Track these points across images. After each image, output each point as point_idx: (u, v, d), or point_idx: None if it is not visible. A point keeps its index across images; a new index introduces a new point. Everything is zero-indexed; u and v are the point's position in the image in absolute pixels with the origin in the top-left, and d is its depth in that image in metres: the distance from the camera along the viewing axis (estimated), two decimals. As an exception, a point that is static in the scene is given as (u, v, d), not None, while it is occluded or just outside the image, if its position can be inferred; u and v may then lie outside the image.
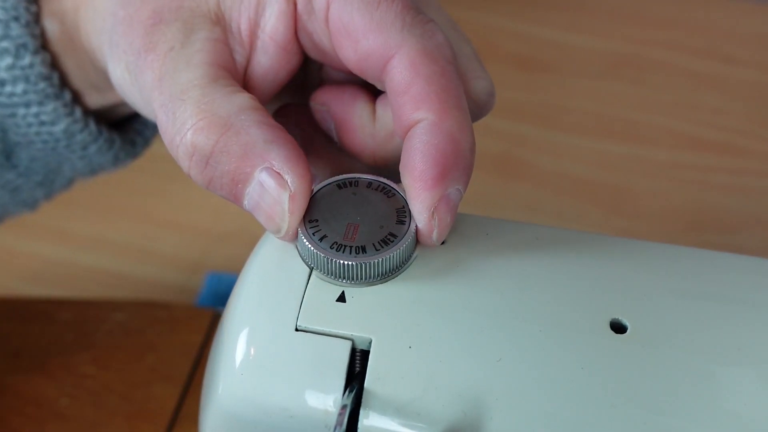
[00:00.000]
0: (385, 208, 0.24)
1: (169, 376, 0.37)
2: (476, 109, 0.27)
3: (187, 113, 0.23)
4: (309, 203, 0.24)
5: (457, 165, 0.23)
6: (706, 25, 0.62)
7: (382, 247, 0.23)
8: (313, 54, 0.26)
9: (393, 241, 0.23)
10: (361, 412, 0.21)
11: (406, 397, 0.21)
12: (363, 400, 0.21)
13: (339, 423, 0.21)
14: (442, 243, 0.24)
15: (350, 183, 0.25)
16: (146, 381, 0.37)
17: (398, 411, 0.21)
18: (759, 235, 0.46)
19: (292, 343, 0.22)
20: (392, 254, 0.23)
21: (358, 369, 0.23)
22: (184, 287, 0.46)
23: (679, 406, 0.21)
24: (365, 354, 0.22)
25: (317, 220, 0.23)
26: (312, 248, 0.23)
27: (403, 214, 0.24)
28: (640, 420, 0.21)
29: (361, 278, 0.23)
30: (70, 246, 0.49)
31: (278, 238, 0.23)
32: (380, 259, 0.22)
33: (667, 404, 0.21)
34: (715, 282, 0.24)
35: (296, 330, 0.22)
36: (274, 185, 0.22)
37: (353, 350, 0.22)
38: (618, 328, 0.22)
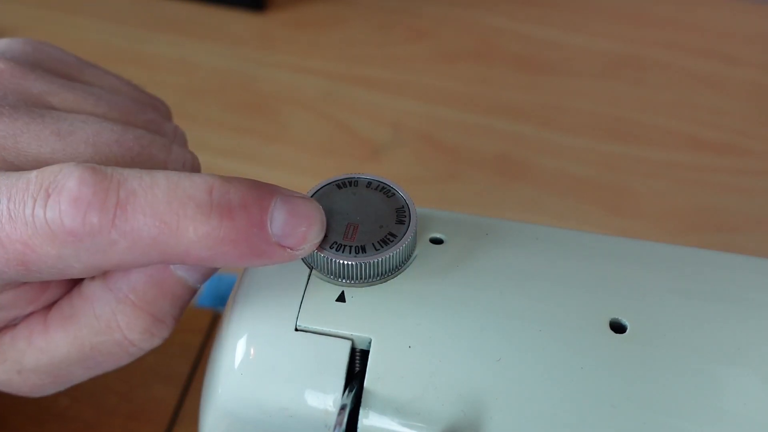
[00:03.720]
0: (384, 208, 0.24)
1: (169, 376, 0.37)
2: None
3: None
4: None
5: None
6: (706, 25, 0.62)
7: (382, 246, 0.23)
8: None
9: (393, 241, 0.23)
10: (361, 411, 0.21)
11: (406, 397, 0.21)
12: (363, 399, 0.21)
13: (339, 423, 0.21)
14: (441, 242, 0.24)
15: (350, 183, 0.25)
16: (146, 381, 0.37)
17: (398, 411, 0.21)
18: (759, 235, 0.46)
19: (292, 343, 0.22)
20: (392, 254, 0.23)
21: (357, 369, 0.23)
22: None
23: (679, 405, 0.21)
24: (365, 354, 0.22)
25: (317, 220, 0.23)
26: (312, 248, 0.23)
27: (402, 214, 0.24)
28: (640, 420, 0.21)
29: (361, 278, 0.23)
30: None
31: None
32: (380, 259, 0.23)
33: (666, 404, 0.21)
34: (715, 282, 0.24)
35: (296, 330, 0.22)
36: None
37: (353, 350, 0.22)
38: (618, 328, 0.22)
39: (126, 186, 0.20)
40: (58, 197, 0.20)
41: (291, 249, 0.22)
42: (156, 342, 0.25)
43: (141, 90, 0.30)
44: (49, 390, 0.26)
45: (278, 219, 0.21)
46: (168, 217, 0.20)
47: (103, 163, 0.23)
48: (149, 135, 0.25)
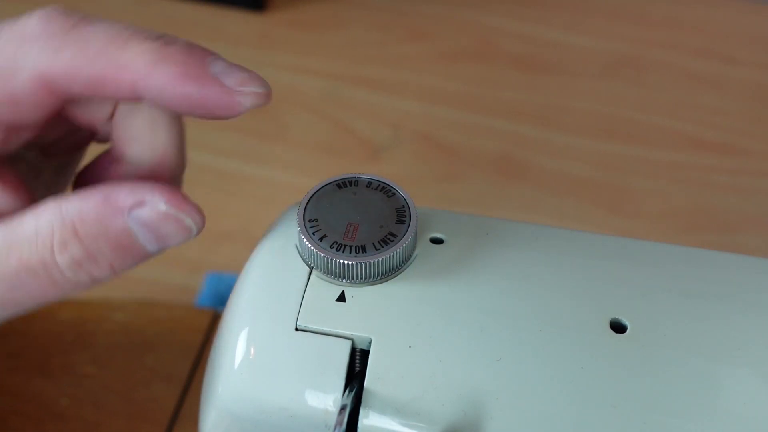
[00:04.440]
0: (385, 208, 0.24)
1: (169, 376, 0.37)
2: None
3: None
4: (309, 203, 0.24)
5: None
6: (706, 25, 0.62)
7: (382, 246, 0.23)
8: None
9: (393, 241, 0.23)
10: (361, 411, 0.21)
11: (406, 397, 0.21)
12: (363, 399, 0.21)
13: (339, 423, 0.21)
14: (441, 242, 0.24)
15: (350, 183, 0.25)
16: (146, 381, 0.37)
17: (398, 411, 0.21)
18: (759, 235, 0.46)
19: (292, 343, 0.22)
20: (392, 254, 0.23)
21: (358, 369, 0.23)
22: (184, 287, 0.46)
23: (679, 405, 0.21)
24: (365, 353, 0.22)
25: (317, 220, 0.23)
26: (312, 248, 0.23)
27: (402, 213, 0.24)
28: (640, 420, 0.21)
29: (361, 278, 0.23)
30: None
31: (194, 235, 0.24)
32: (380, 259, 0.23)
33: (667, 404, 0.21)
34: (715, 282, 0.24)
35: (296, 330, 0.22)
36: (148, 212, 0.23)
37: (353, 350, 0.22)
38: (618, 327, 0.22)
39: (87, 17, 0.23)
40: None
41: (229, 89, 0.22)
42: (83, 278, 0.24)
43: None
44: None
45: (218, 62, 0.22)
46: (119, 31, 0.22)
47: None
48: None
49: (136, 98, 0.23)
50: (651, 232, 0.46)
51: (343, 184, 0.25)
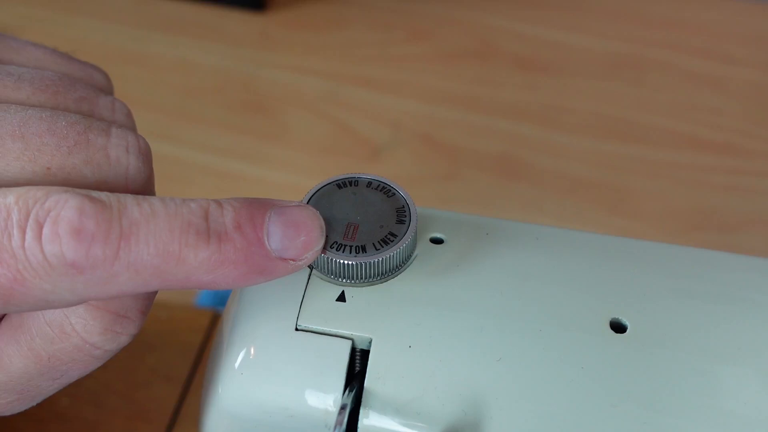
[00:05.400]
0: (384, 208, 0.24)
1: (169, 376, 0.37)
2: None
3: None
4: (309, 203, 0.24)
5: None
6: (706, 25, 0.62)
7: (382, 246, 0.23)
8: None
9: (393, 241, 0.23)
10: (361, 411, 0.21)
11: (406, 397, 0.21)
12: (363, 399, 0.21)
13: (339, 422, 0.21)
14: (441, 242, 0.24)
15: (350, 183, 0.25)
16: (146, 381, 0.37)
17: (398, 410, 0.21)
18: (759, 235, 0.46)
19: (292, 343, 0.22)
20: (392, 254, 0.23)
21: (358, 368, 0.23)
22: (184, 287, 0.45)
23: (679, 405, 0.21)
24: (365, 353, 0.22)
25: (317, 220, 0.23)
26: (312, 248, 0.23)
27: (402, 213, 0.24)
28: (640, 420, 0.21)
29: (361, 278, 0.23)
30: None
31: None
32: (380, 259, 0.23)
33: (667, 404, 0.21)
34: (715, 282, 0.24)
35: (296, 330, 0.22)
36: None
37: (353, 350, 0.22)
38: (618, 327, 0.22)
39: (127, 215, 0.20)
40: (55, 228, 0.19)
41: (293, 260, 0.21)
42: (123, 340, 0.22)
43: (69, 59, 0.26)
44: (21, 406, 0.24)
45: (275, 233, 0.21)
46: (171, 246, 0.20)
47: (40, 159, 0.21)
48: (84, 120, 0.22)
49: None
50: (651, 232, 0.46)
51: (343, 184, 0.25)
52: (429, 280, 0.23)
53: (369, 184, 0.25)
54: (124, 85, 0.35)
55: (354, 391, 0.21)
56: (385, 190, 0.24)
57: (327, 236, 0.23)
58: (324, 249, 0.23)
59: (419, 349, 0.22)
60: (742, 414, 0.21)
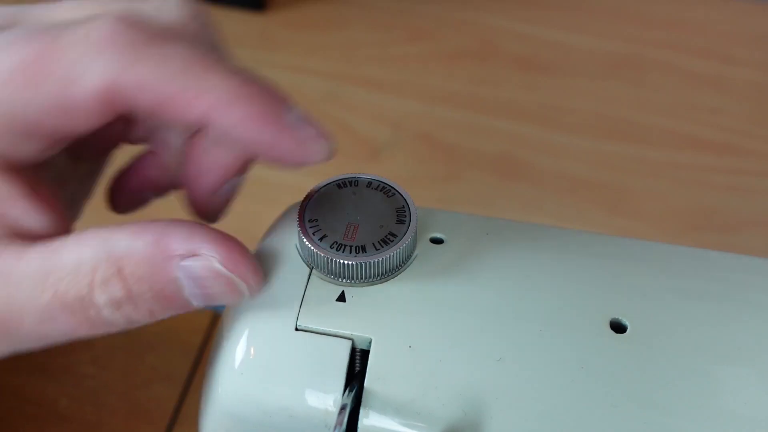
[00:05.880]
0: (384, 208, 0.24)
1: (169, 376, 0.37)
2: None
3: None
4: (309, 203, 0.24)
5: None
6: (706, 25, 0.62)
7: (382, 246, 0.23)
8: None
9: (393, 241, 0.23)
10: (361, 411, 0.21)
11: (406, 397, 0.21)
12: (363, 399, 0.21)
13: (339, 423, 0.21)
14: (441, 242, 0.24)
15: (350, 182, 0.25)
16: (146, 381, 0.37)
17: (398, 411, 0.21)
18: (759, 235, 0.46)
19: (292, 343, 0.22)
20: (392, 254, 0.23)
21: (358, 368, 0.23)
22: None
23: (680, 405, 0.21)
24: (365, 353, 0.22)
25: (317, 220, 0.23)
26: (312, 248, 0.23)
27: (402, 213, 0.24)
28: (640, 420, 0.21)
29: (361, 278, 0.23)
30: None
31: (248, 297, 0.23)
32: (380, 259, 0.23)
33: (667, 404, 0.21)
34: (715, 282, 0.24)
35: (296, 330, 0.22)
36: (200, 266, 0.21)
37: (353, 350, 0.22)
38: (618, 327, 0.22)
39: (163, 32, 0.22)
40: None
41: (302, 141, 0.23)
42: (119, 320, 0.22)
43: None
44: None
45: (295, 114, 0.23)
46: (201, 55, 0.21)
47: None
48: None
49: (199, 126, 0.22)
50: (651, 232, 0.46)
51: (343, 184, 0.25)
52: (429, 280, 0.23)
53: (369, 184, 0.25)
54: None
55: (354, 391, 0.21)
56: (385, 190, 0.24)
57: (327, 236, 0.23)
58: (323, 248, 0.23)
59: (419, 349, 0.22)
60: (742, 414, 0.21)
